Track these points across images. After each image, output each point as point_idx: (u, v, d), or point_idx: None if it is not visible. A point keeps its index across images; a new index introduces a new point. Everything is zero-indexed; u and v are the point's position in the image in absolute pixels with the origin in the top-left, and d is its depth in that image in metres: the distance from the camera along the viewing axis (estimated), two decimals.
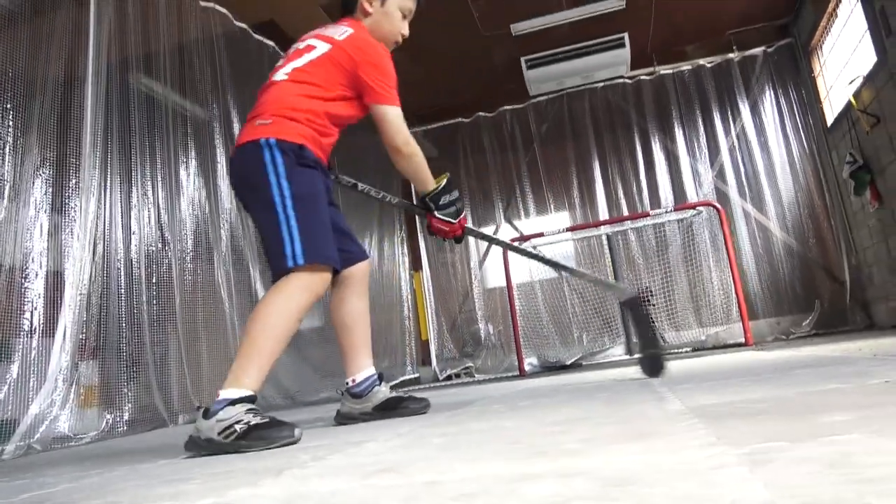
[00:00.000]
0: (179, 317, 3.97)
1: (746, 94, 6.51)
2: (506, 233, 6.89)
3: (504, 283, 5.64)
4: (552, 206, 6.99)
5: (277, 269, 1.62)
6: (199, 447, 1.45)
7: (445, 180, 1.86)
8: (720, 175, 6.48)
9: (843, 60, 5.42)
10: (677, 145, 6.61)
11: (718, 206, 5.26)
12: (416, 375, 6.69)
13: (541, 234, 5.55)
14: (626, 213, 6.55)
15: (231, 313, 4.32)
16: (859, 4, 4.71)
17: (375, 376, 1.92)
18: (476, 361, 6.64)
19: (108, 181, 3.68)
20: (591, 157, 6.87)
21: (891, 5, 4.19)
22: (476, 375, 6.45)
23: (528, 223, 6.94)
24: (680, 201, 6.35)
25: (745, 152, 6.46)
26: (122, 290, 3.65)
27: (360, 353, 1.90)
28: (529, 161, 7.11)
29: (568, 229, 5.63)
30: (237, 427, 1.41)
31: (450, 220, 1.86)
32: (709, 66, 6.60)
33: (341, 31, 1.79)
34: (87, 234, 3.43)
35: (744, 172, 6.41)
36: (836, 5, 5.33)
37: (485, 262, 7.13)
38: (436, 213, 1.85)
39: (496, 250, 6.59)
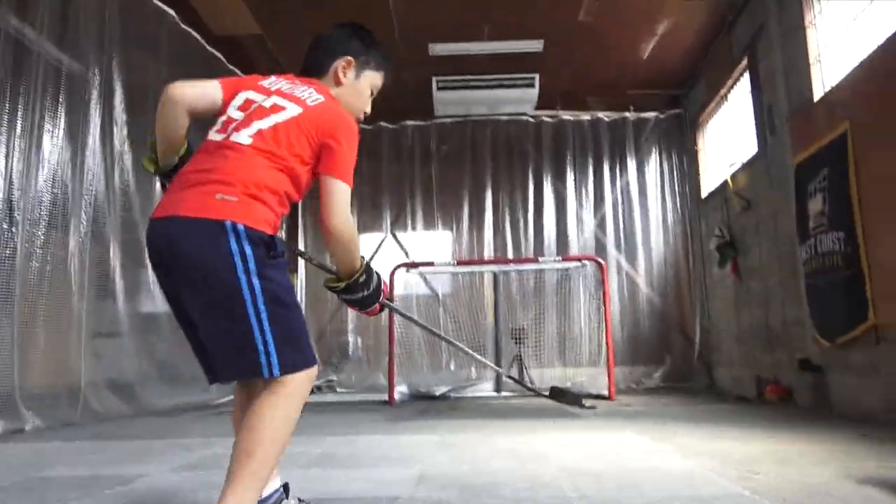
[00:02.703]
0: (18, 305, 3.48)
1: (636, 152, 6.88)
2: (391, 248, 6.81)
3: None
4: (440, 224, 7.02)
5: (246, 378, 1.51)
6: None
7: (364, 271, 1.66)
8: (601, 225, 6.79)
9: (725, 141, 5.86)
10: (566, 189, 6.85)
11: (602, 261, 5.49)
12: None
13: (431, 264, 5.50)
14: (510, 244, 6.72)
15: (80, 306, 3.86)
16: (750, 96, 5.08)
17: (281, 490, 1.72)
18: (339, 375, 6.47)
19: None
20: (485, 185, 6.98)
21: (778, 106, 4.55)
22: (338, 390, 6.28)
23: (415, 236, 6.92)
24: (562, 243, 6.59)
25: (626, 207, 6.83)
26: None
27: None
28: (425, 178, 7.07)
29: (459, 263, 5.63)
30: None
31: (357, 306, 1.71)
32: (606, 119, 6.90)
33: (313, 96, 1.58)
34: None
35: (622, 227, 6.77)
36: (729, 90, 5.74)
37: None
38: (343, 297, 1.68)
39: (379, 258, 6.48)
